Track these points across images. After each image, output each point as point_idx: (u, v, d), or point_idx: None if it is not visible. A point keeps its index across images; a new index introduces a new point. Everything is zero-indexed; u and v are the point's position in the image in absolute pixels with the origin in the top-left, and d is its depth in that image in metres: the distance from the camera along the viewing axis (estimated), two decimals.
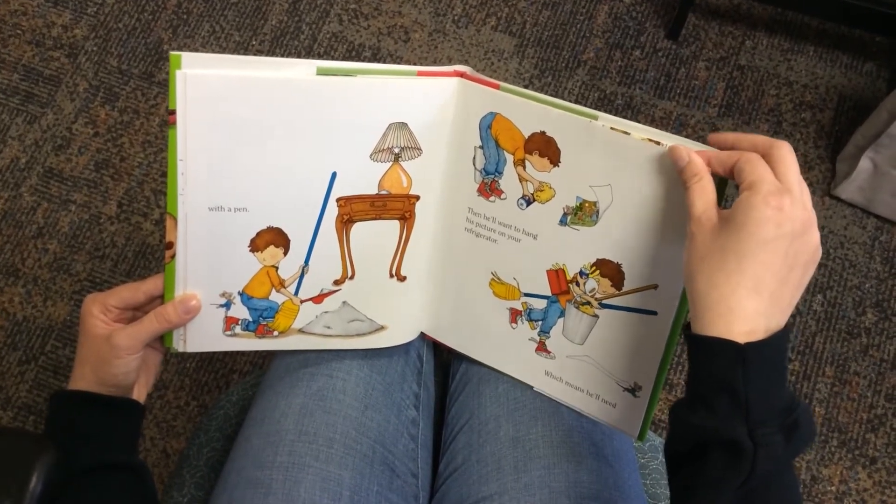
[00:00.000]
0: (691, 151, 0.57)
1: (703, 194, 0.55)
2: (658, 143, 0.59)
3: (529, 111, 0.63)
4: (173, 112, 0.59)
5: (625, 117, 1.49)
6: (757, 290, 0.51)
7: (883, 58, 1.56)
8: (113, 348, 0.62)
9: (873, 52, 1.57)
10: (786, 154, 0.54)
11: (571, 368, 0.70)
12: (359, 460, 0.68)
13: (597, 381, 0.69)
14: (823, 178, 1.47)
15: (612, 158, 0.61)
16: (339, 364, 0.72)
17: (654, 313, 0.64)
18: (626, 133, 0.60)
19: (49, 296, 1.37)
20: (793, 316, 1.38)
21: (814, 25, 1.58)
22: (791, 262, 0.52)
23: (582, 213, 0.64)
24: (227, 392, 0.86)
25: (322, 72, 0.61)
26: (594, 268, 0.65)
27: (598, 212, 0.63)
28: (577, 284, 0.66)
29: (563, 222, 0.65)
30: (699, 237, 0.54)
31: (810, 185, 1.46)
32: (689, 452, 0.53)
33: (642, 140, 0.59)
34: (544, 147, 0.63)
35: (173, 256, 0.63)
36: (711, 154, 0.57)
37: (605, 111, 1.65)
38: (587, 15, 1.58)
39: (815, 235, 0.53)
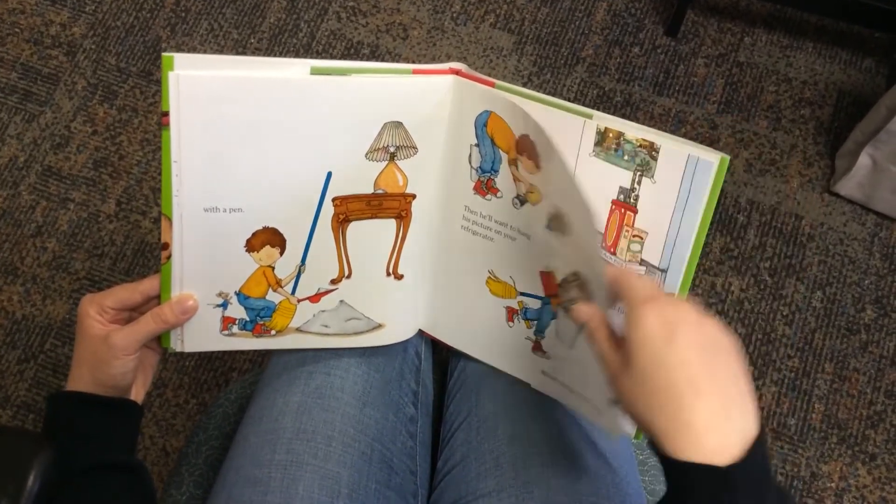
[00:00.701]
0: (584, 307, 0.57)
1: (598, 346, 0.55)
2: (651, 144, 0.59)
3: (518, 111, 0.63)
4: (166, 114, 0.59)
5: (624, 114, 1.50)
6: (697, 394, 0.48)
7: (882, 54, 1.56)
8: (110, 349, 0.62)
9: (872, 49, 1.56)
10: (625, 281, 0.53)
11: (566, 370, 0.70)
12: (357, 458, 0.68)
13: (589, 384, 0.69)
14: (823, 174, 1.47)
15: (566, 178, 0.60)
16: (337, 362, 0.72)
17: None
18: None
19: (48, 294, 1.37)
20: (793, 313, 1.38)
21: (812, 22, 1.58)
22: (709, 353, 0.49)
23: (558, 222, 0.63)
24: (226, 390, 0.86)
25: (316, 71, 0.60)
26: (573, 276, 0.65)
27: (568, 225, 0.63)
28: (564, 289, 0.66)
29: (549, 227, 0.65)
30: (615, 383, 0.52)
31: (809, 181, 1.46)
32: None
33: (636, 140, 0.59)
34: (531, 149, 0.63)
35: (169, 257, 0.63)
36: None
37: (604, 108, 1.63)
38: (586, 12, 1.58)
39: (707, 321, 0.50)
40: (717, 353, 0.50)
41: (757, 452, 0.48)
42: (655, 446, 0.50)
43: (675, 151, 0.58)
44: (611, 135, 0.60)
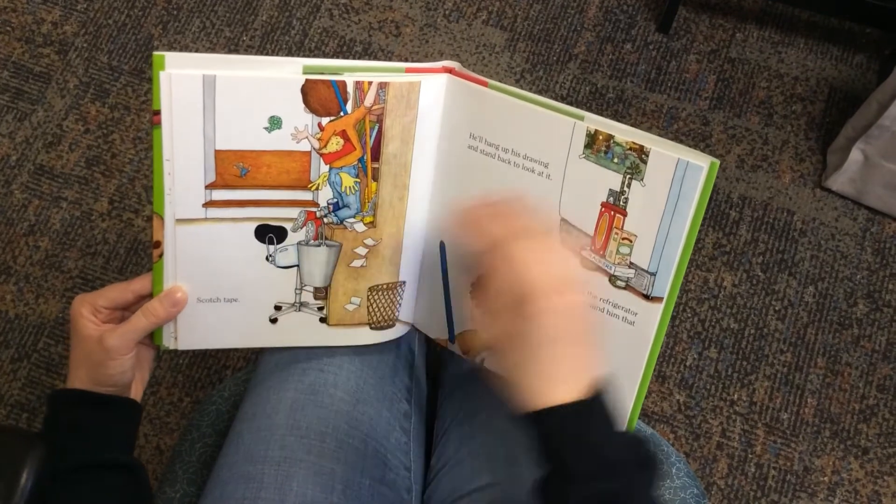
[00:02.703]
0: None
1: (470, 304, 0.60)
2: (641, 147, 0.59)
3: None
4: (158, 112, 0.59)
5: (616, 110, 1.50)
6: (554, 383, 0.53)
7: (873, 49, 1.57)
8: (106, 350, 0.62)
9: (863, 44, 1.57)
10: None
11: None
12: (351, 454, 0.68)
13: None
14: (815, 169, 1.47)
15: None
16: (331, 358, 0.72)
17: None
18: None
19: (41, 293, 1.36)
20: (785, 308, 1.38)
21: (804, 18, 1.58)
22: (567, 340, 0.53)
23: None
24: (219, 388, 0.86)
25: (308, 70, 0.60)
26: None
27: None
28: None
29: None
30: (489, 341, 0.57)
31: (801, 177, 1.47)
32: None
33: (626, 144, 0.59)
34: None
35: (161, 255, 0.63)
36: None
37: (597, 104, 1.63)
38: (578, 9, 1.58)
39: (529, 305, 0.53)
40: (575, 340, 0.53)
41: (598, 399, 0.53)
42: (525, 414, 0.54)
43: (664, 155, 0.58)
44: (601, 137, 0.60)
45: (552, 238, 0.59)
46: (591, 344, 0.54)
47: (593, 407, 0.52)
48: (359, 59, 1.54)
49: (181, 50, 1.53)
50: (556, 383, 0.52)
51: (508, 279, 0.53)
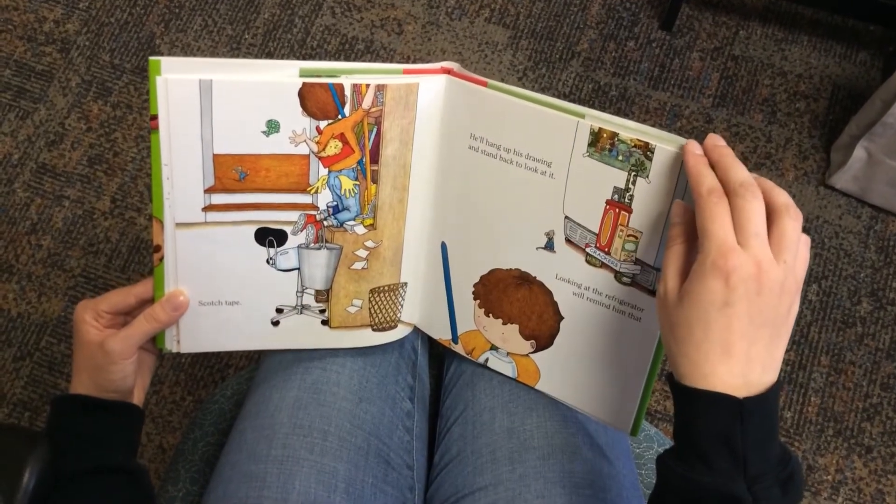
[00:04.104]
0: (686, 211, 0.56)
1: (671, 264, 0.55)
2: (646, 144, 0.59)
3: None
4: (155, 117, 0.59)
5: (619, 108, 1.50)
6: (727, 353, 0.51)
7: (876, 47, 1.56)
8: (107, 355, 0.62)
9: (867, 42, 1.57)
10: (744, 205, 0.51)
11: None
12: (353, 453, 0.68)
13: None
14: (818, 167, 1.47)
15: None
16: (333, 357, 0.72)
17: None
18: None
19: (43, 292, 1.36)
20: None
21: (807, 15, 1.58)
22: (758, 322, 0.51)
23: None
24: (222, 386, 0.86)
25: (305, 73, 0.60)
26: None
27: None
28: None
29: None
30: (663, 310, 0.54)
31: (804, 175, 1.46)
32: None
33: (631, 141, 0.59)
34: None
35: (161, 259, 0.63)
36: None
37: (600, 102, 1.62)
38: (581, 6, 1.58)
39: (777, 292, 0.51)
40: (766, 328, 0.51)
41: (770, 396, 0.51)
42: (671, 373, 0.53)
43: (669, 152, 0.58)
44: (605, 135, 0.60)
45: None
46: (782, 331, 0.52)
47: (754, 407, 0.50)
48: (361, 56, 1.54)
49: (183, 48, 1.53)
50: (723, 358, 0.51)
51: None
